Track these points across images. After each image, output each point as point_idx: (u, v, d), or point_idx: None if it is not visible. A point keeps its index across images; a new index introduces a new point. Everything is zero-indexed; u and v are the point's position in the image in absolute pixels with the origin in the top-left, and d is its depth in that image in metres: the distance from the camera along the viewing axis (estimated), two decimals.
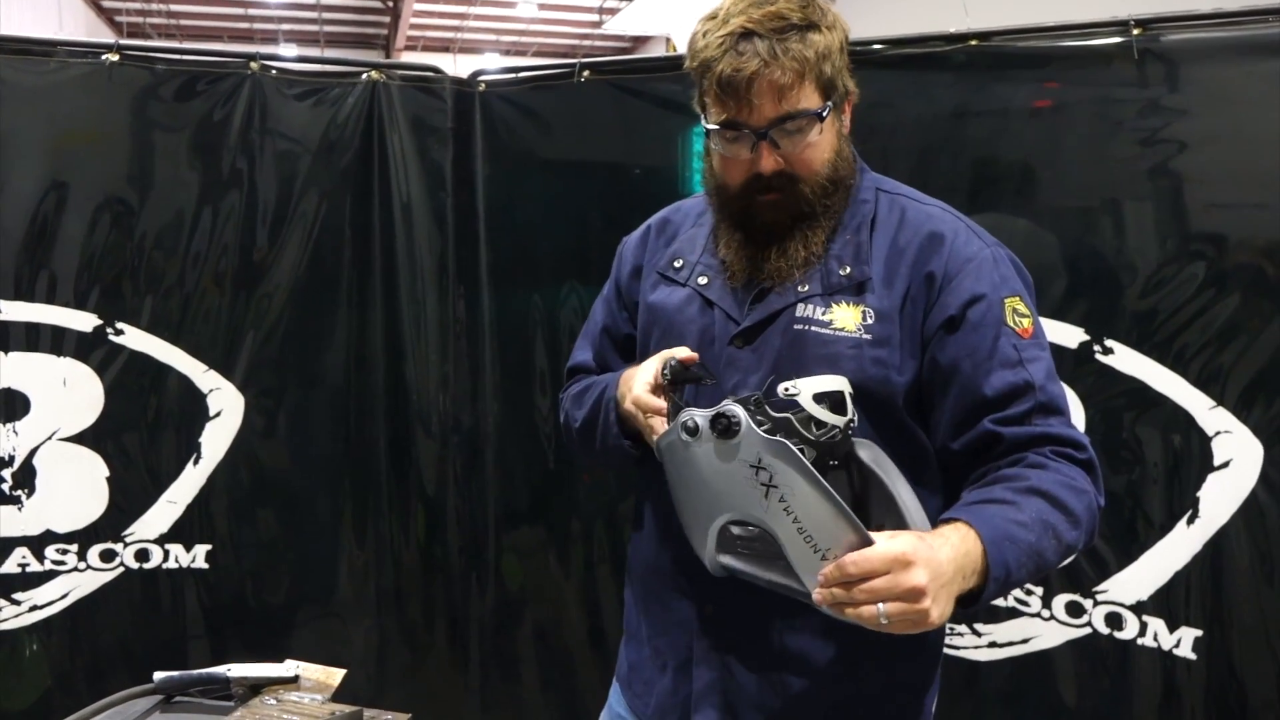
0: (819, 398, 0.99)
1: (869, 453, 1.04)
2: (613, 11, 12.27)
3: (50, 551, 2.13)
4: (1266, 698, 1.65)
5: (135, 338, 2.13)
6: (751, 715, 1.17)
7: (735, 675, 1.17)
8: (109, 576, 2.18)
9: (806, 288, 1.13)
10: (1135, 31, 1.68)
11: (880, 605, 0.88)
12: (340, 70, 2.29)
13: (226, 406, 2.20)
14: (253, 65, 2.15)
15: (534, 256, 2.29)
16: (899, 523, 1.00)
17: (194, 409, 2.18)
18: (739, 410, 0.98)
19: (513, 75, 2.33)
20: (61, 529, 2.13)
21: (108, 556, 2.17)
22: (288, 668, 1.24)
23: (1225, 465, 1.66)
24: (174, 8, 13.55)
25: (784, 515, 0.95)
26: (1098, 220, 1.74)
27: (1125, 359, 1.72)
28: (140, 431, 2.15)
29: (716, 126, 1.11)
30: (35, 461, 2.10)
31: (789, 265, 1.13)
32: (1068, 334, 1.76)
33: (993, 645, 1.89)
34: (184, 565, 2.21)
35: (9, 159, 2.03)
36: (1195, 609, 1.70)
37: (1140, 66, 1.67)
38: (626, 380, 1.19)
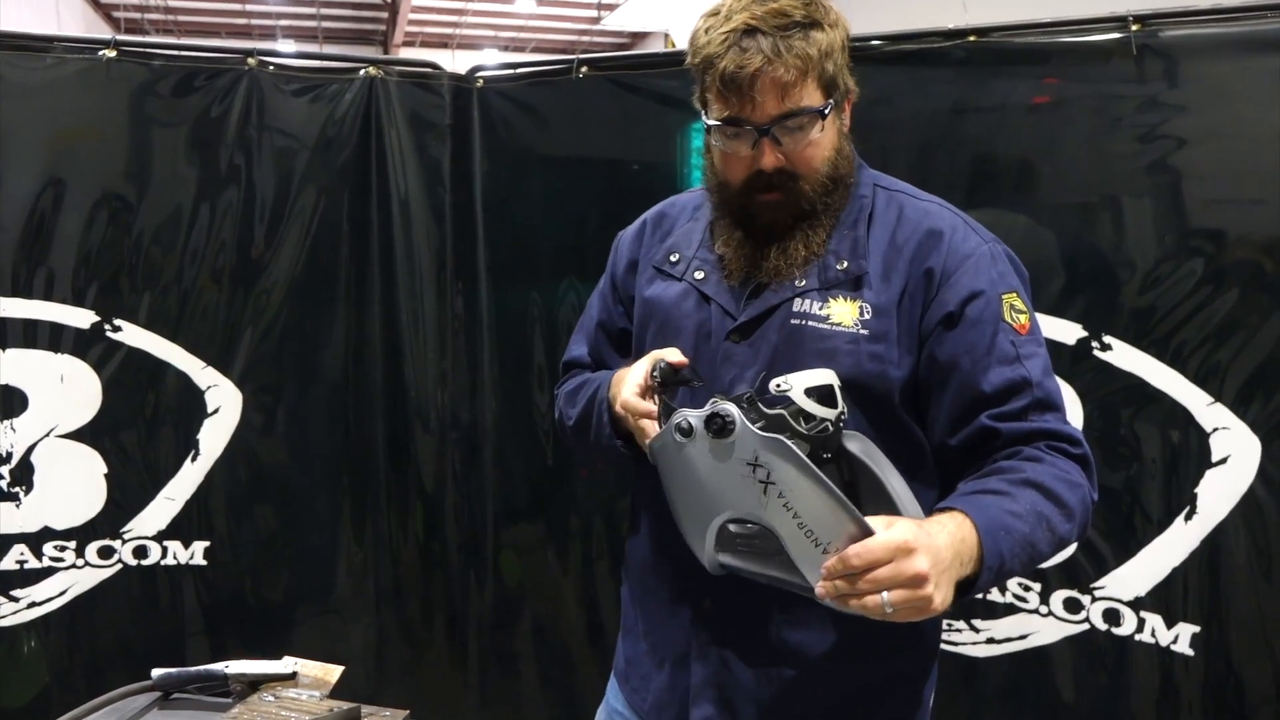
0: (810, 392, 1.00)
1: (859, 444, 1.05)
2: (611, 7, 12.26)
3: (48, 548, 2.13)
4: (1264, 693, 1.66)
5: (133, 334, 2.13)
6: (749, 709, 1.17)
7: (733, 669, 1.17)
8: (107, 573, 2.18)
9: (804, 283, 1.13)
10: (1134, 27, 1.67)
11: (884, 594, 0.89)
12: (338, 66, 2.28)
13: (224, 403, 2.20)
14: (250, 61, 2.15)
15: (532, 253, 2.28)
16: (892, 512, 1.00)
17: (192, 405, 2.18)
18: (733, 409, 0.98)
19: (511, 71, 2.33)
20: (60, 526, 2.13)
21: (106, 553, 2.17)
22: (286, 664, 1.24)
23: (1223, 461, 1.66)
24: (171, 3, 13.53)
25: (783, 511, 0.95)
26: (1096, 216, 1.74)
27: (1123, 355, 1.72)
28: (138, 428, 2.15)
29: (718, 123, 1.11)
30: (33, 458, 2.10)
31: (789, 264, 1.13)
32: (1066, 330, 1.76)
33: (991, 641, 1.89)
34: (182, 562, 2.21)
35: (6, 155, 2.02)
36: (1193, 605, 1.70)
37: (1139, 62, 1.67)
38: (617, 382, 1.19)
